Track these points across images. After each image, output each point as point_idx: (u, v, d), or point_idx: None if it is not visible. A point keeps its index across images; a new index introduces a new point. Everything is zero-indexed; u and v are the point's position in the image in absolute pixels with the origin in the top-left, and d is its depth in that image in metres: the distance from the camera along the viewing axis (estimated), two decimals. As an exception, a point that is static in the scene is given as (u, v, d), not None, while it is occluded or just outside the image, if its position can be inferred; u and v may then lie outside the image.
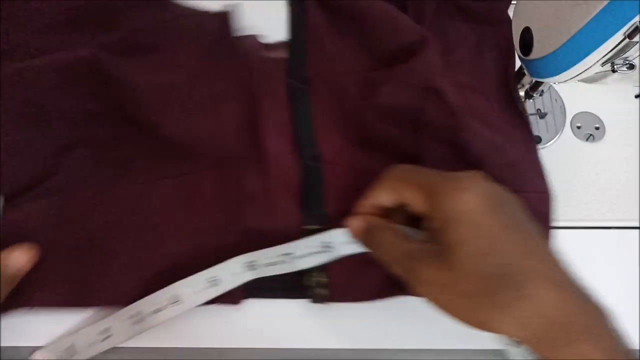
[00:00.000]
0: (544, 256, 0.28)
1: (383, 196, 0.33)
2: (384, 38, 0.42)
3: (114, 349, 0.34)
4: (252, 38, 0.44)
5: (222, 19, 0.44)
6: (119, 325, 0.33)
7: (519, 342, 0.27)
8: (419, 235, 0.32)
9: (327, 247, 0.34)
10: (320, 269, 0.35)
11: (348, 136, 0.41)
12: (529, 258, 0.27)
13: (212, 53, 0.42)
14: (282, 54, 0.44)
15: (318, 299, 0.35)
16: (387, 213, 0.34)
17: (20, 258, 0.33)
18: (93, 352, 0.33)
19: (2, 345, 0.34)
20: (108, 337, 0.33)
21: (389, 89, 0.39)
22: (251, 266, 0.34)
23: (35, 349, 0.34)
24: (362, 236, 0.33)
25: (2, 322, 0.35)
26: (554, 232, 0.38)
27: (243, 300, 0.36)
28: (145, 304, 0.33)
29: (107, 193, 0.37)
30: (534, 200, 0.37)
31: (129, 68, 0.39)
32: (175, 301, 0.33)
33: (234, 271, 0.34)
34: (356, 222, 0.34)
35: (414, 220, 0.34)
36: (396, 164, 0.35)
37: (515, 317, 0.26)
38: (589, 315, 0.27)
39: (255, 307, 0.36)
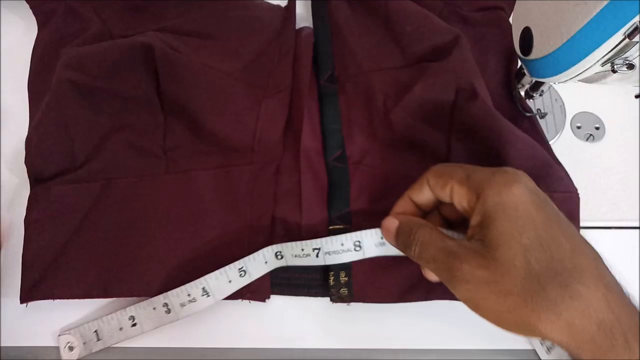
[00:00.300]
0: (590, 255, 0.27)
1: (421, 194, 0.32)
2: (418, 36, 0.41)
3: (126, 349, 0.35)
4: (307, 29, 0.45)
5: (286, 11, 0.45)
6: (145, 314, 0.34)
7: (561, 346, 0.25)
8: (456, 236, 0.31)
9: (357, 246, 0.34)
10: (343, 268, 0.36)
11: (375, 136, 0.40)
12: (578, 255, 0.26)
13: (271, 45, 0.43)
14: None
15: (339, 298, 0.36)
16: (422, 216, 0.33)
17: None
18: (119, 338, 0.34)
19: (2, 345, 0.34)
20: (134, 324, 0.34)
21: (421, 88, 0.39)
22: (279, 256, 0.35)
23: (36, 348, 0.34)
24: (396, 235, 0.32)
25: (3, 322, 0.35)
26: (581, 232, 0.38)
27: (270, 297, 0.36)
28: (177, 294, 0.34)
29: (145, 181, 0.38)
30: (565, 199, 0.36)
31: (186, 50, 0.39)
32: (206, 293, 0.34)
33: (263, 261, 0.35)
34: (389, 221, 0.32)
35: (449, 226, 0.33)
36: (424, 164, 0.35)
37: (565, 318, 0.24)
38: (636, 317, 0.25)
39: (276, 306, 0.37)
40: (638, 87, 0.33)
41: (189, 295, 0.34)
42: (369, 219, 0.37)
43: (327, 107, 0.42)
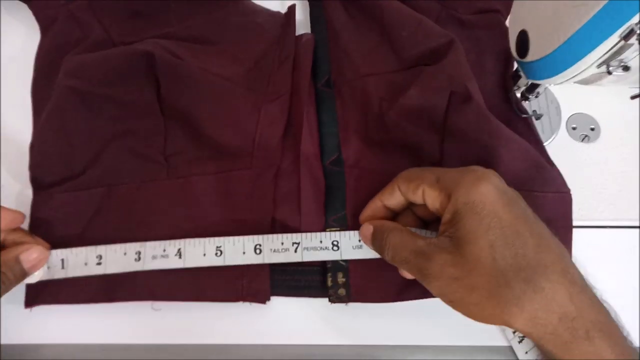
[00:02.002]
0: (555, 250, 0.28)
1: (392, 198, 0.34)
2: (413, 40, 0.42)
3: (126, 346, 0.35)
4: (308, 35, 0.44)
5: (285, 17, 0.45)
6: (113, 257, 0.34)
7: (526, 337, 0.27)
8: (428, 235, 0.32)
9: (335, 246, 0.35)
10: (340, 269, 0.36)
11: (371, 139, 0.41)
12: (542, 251, 0.27)
13: (271, 51, 0.43)
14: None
15: (337, 299, 0.36)
16: (394, 217, 0.35)
17: (34, 256, 0.32)
18: (82, 273, 0.34)
19: (2, 343, 0.34)
20: (100, 263, 0.34)
21: (416, 91, 0.39)
22: (258, 250, 0.35)
23: (36, 346, 0.34)
24: (372, 240, 0.33)
25: (3, 320, 0.35)
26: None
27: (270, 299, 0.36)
28: (154, 246, 0.34)
29: (146, 186, 0.38)
30: (557, 199, 0.37)
31: (187, 56, 0.39)
32: (179, 254, 0.34)
33: (241, 250, 0.35)
34: (365, 227, 0.34)
35: (423, 224, 0.34)
36: (418, 166, 0.36)
37: (528, 311, 0.26)
38: (599, 312, 0.26)
39: (275, 304, 0.37)
40: (633, 89, 0.33)
41: (164, 250, 0.34)
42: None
43: (323, 111, 0.42)
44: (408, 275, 0.33)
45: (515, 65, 0.42)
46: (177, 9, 0.43)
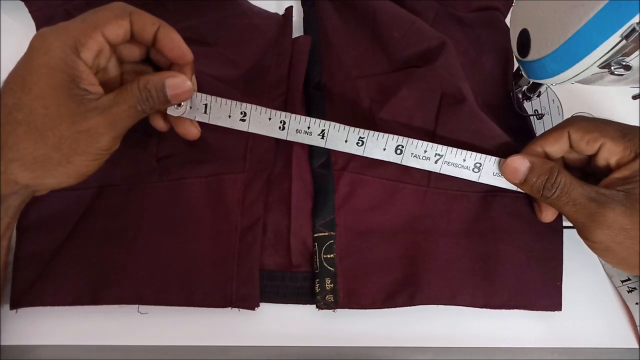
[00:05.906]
0: None
1: (556, 144, 0.34)
2: (405, 42, 0.42)
3: (125, 347, 0.35)
4: (304, 38, 0.44)
5: (282, 20, 0.45)
6: (257, 117, 0.35)
7: None
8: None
9: (477, 168, 0.35)
10: (328, 275, 0.36)
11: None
12: None
13: (267, 54, 0.43)
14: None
15: (324, 305, 0.36)
16: None
17: (179, 84, 0.32)
18: (225, 124, 0.35)
19: (2, 344, 0.34)
20: (244, 120, 0.35)
21: (407, 92, 0.39)
22: (399, 150, 0.36)
23: (36, 347, 0.34)
24: (528, 175, 0.33)
25: (3, 321, 0.35)
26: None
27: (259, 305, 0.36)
28: (295, 120, 0.35)
29: (137, 189, 0.37)
30: None
31: None
32: (322, 136, 0.36)
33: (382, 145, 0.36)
34: (519, 160, 0.34)
35: None
36: (408, 169, 0.36)
37: None
38: None
39: (267, 308, 0.37)
40: (634, 88, 0.33)
41: (308, 127, 0.35)
42: (354, 226, 0.37)
43: (313, 114, 0.41)
44: (547, 217, 0.36)
45: (517, 65, 0.42)
46: (174, 10, 0.43)
